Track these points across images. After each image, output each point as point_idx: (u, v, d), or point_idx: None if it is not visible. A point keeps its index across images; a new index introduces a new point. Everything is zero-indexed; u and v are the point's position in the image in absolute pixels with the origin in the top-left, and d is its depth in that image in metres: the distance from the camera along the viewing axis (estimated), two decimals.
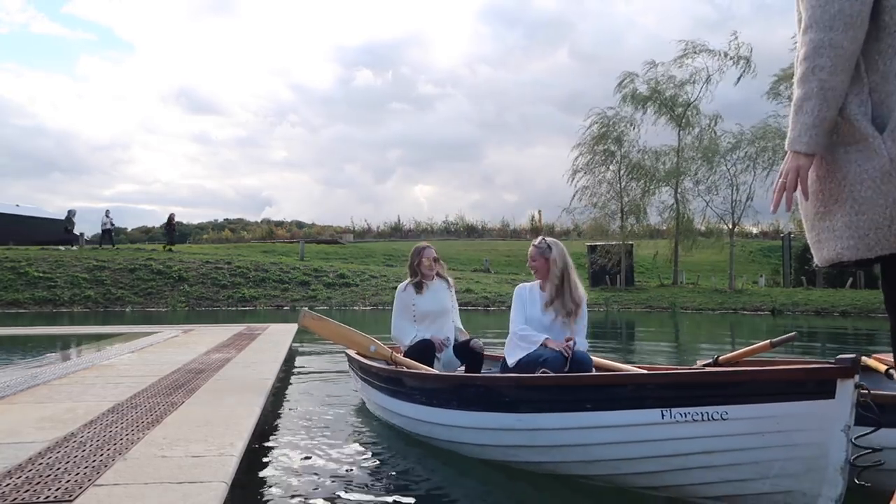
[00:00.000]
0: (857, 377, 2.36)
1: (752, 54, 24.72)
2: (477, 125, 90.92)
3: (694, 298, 22.40)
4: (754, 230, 38.12)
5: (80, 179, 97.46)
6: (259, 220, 54.10)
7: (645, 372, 3.52)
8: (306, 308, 5.08)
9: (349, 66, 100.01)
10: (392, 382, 4.18)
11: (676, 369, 3.66)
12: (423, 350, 4.55)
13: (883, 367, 3.53)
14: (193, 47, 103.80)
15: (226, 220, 57.17)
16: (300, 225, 49.76)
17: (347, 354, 5.44)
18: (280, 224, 50.03)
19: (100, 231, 29.66)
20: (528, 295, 4.13)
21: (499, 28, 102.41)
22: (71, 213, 29.69)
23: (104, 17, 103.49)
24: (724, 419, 2.55)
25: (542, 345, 3.84)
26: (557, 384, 3.16)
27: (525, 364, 3.80)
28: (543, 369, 3.58)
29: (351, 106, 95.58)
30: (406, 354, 4.62)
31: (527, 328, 3.99)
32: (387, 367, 4.49)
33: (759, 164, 24.65)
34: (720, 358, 3.94)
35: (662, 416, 2.67)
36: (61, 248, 27.11)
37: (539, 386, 3.22)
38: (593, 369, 3.85)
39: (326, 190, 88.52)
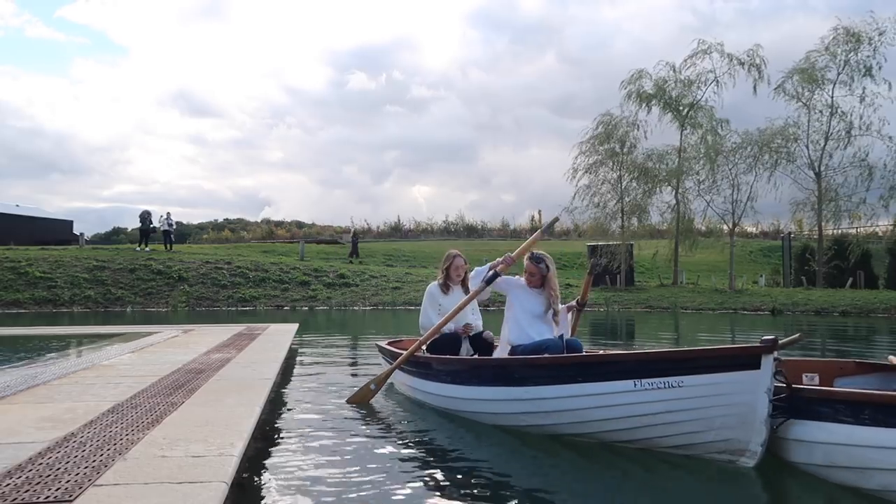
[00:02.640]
0: (776, 353, 3.18)
1: (761, 62, 24.78)
2: (472, 127, 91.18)
3: (694, 298, 22.39)
4: (753, 230, 38.13)
5: (79, 180, 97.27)
6: (259, 221, 54.09)
7: (621, 352, 4.40)
8: (347, 401, 5.31)
9: (342, 69, 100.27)
10: (422, 366, 5.10)
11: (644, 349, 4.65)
12: (451, 342, 5.23)
13: None
14: (187, 51, 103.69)
15: (226, 220, 57.11)
16: (300, 225, 49.73)
17: (379, 346, 6.32)
18: (280, 224, 50.00)
19: (152, 231, 28.72)
20: (522, 291, 4.72)
21: (487, 32, 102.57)
22: (146, 214, 28.14)
23: (97, 21, 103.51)
24: (680, 386, 3.36)
25: (490, 266, 4.85)
26: (555, 363, 4.00)
27: (532, 351, 4.42)
28: (546, 355, 4.27)
29: (345, 108, 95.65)
30: (434, 346, 5.21)
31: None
32: (418, 354, 5.23)
33: (760, 164, 24.64)
34: None
35: (635, 385, 3.48)
36: (136, 248, 27.09)
37: (541, 364, 4.05)
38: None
39: (325, 191, 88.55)
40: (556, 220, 5.32)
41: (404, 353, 5.28)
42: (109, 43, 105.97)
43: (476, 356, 5.18)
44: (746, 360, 3.20)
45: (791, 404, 3.25)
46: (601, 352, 5.01)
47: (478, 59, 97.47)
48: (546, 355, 4.22)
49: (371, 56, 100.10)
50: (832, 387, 3.97)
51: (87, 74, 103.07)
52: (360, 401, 5.26)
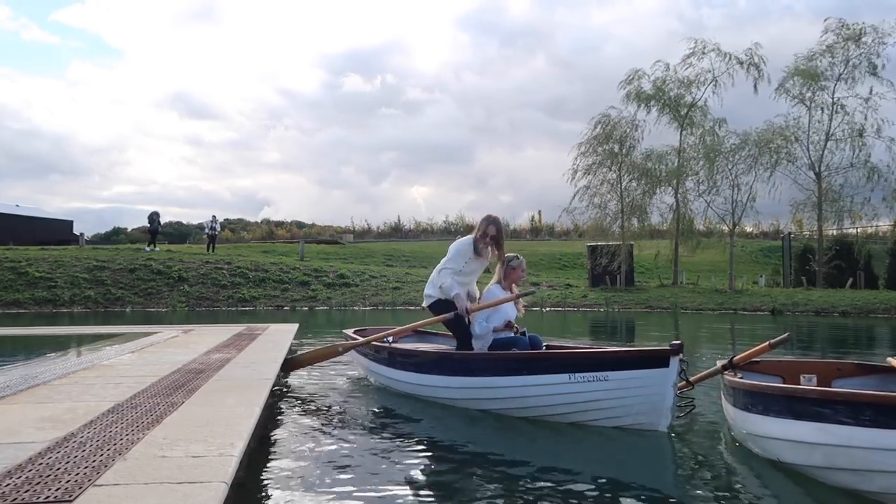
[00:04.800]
0: (681, 354, 3.94)
1: (759, 61, 24.73)
2: (467, 129, 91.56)
3: (694, 298, 22.37)
4: (753, 230, 38.08)
5: (79, 181, 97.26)
6: (259, 221, 54.00)
7: (558, 350, 5.30)
8: (283, 374, 5.94)
9: (335, 72, 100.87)
10: (395, 357, 5.63)
11: (579, 348, 5.61)
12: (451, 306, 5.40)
13: None
14: (182, 54, 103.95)
15: (226, 220, 56.94)
16: (300, 225, 49.69)
17: (345, 334, 6.87)
18: (280, 224, 49.95)
19: (203, 235, 29.22)
20: (501, 294, 5.38)
21: (477, 36, 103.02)
22: (155, 215, 28.26)
23: (92, 24, 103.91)
24: (606, 380, 4.08)
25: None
26: (505, 358, 4.79)
27: (503, 344, 5.16)
28: (514, 348, 5.08)
29: (341, 110, 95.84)
30: (437, 305, 5.40)
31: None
32: (386, 345, 5.84)
33: (760, 164, 24.60)
34: (735, 359, 4.35)
35: (569, 378, 4.19)
36: (146, 248, 27.09)
37: (495, 359, 4.87)
38: (544, 347, 5.34)
39: (323, 191, 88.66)
40: (532, 292, 5.99)
41: (377, 344, 5.82)
42: (105, 46, 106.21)
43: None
44: (658, 359, 3.92)
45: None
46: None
47: (470, 62, 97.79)
48: (496, 352, 5.06)
49: (363, 59, 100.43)
50: (830, 387, 3.97)
51: (84, 77, 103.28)
52: (323, 356, 5.97)
